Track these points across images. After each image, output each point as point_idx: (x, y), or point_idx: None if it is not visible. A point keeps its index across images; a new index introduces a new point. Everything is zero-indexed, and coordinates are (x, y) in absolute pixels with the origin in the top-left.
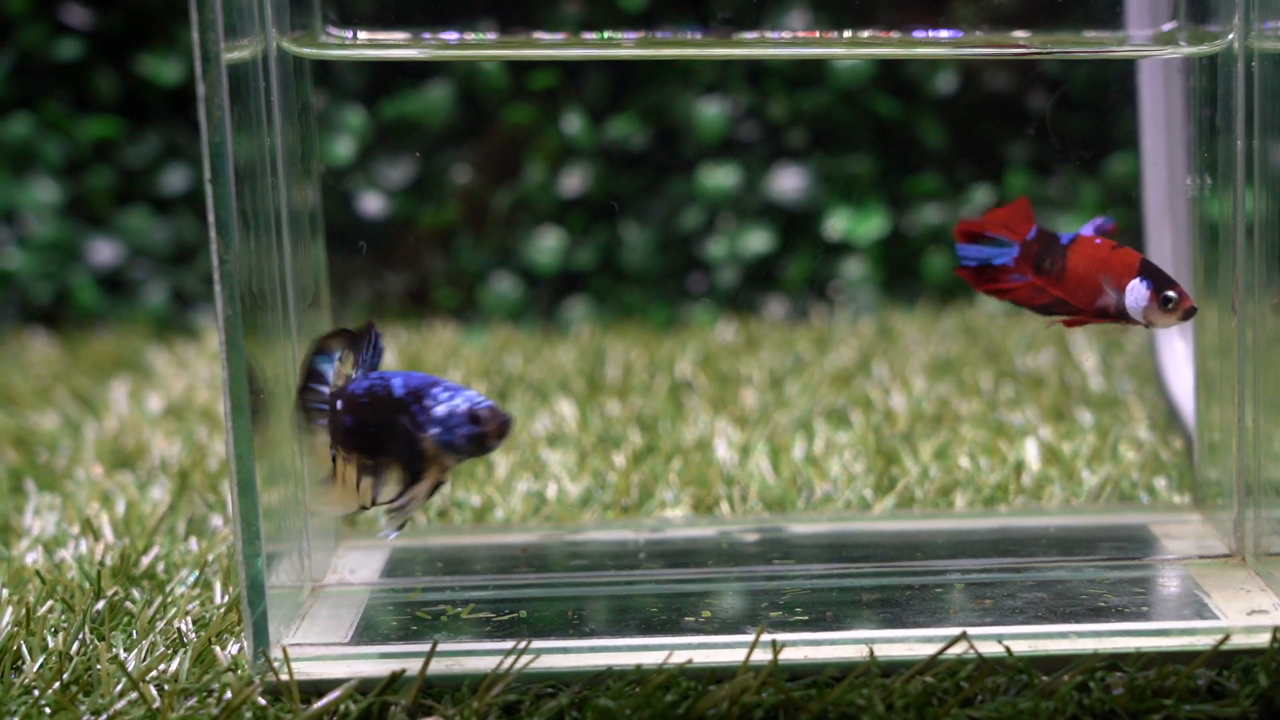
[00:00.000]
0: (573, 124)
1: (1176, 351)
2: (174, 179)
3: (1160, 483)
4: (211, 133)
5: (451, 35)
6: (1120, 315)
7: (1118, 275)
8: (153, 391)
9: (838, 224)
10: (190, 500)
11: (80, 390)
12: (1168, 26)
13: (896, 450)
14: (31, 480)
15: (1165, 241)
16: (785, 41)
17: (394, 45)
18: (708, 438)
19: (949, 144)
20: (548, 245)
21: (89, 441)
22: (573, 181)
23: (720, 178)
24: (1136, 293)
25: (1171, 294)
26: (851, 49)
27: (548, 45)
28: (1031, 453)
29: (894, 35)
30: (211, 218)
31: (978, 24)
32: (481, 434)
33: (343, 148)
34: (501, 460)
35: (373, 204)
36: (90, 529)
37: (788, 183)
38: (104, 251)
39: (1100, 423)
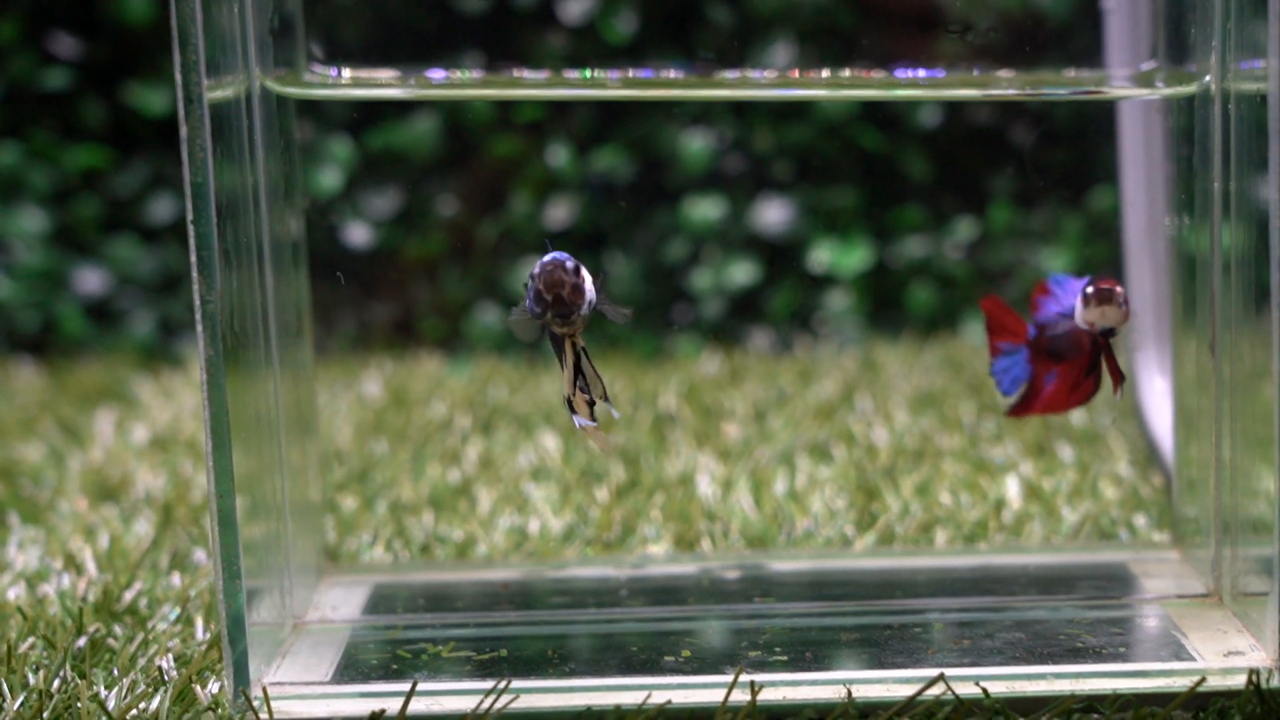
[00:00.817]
0: (558, 156)
1: (1156, 388)
2: (161, 208)
3: (1140, 520)
4: (194, 173)
5: (437, 74)
6: (1090, 336)
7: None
8: (138, 422)
9: (822, 256)
10: (174, 534)
11: (66, 420)
12: (1146, 66)
13: (878, 486)
14: (15, 513)
15: (1145, 277)
16: (768, 82)
17: (379, 85)
18: (690, 472)
19: (932, 177)
20: None
21: (74, 473)
22: (559, 213)
23: (705, 209)
24: (1076, 306)
25: (1089, 288)
26: (834, 90)
27: (532, 85)
28: (1012, 489)
29: (876, 75)
30: (194, 258)
31: (959, 61)
32: (537, 290)
33: (329, 179)
34: (484, 495)
35: (358, 235)
36: (73, 564)
37: (772, 215)
38: (91, 280)
39: (1081, 458)
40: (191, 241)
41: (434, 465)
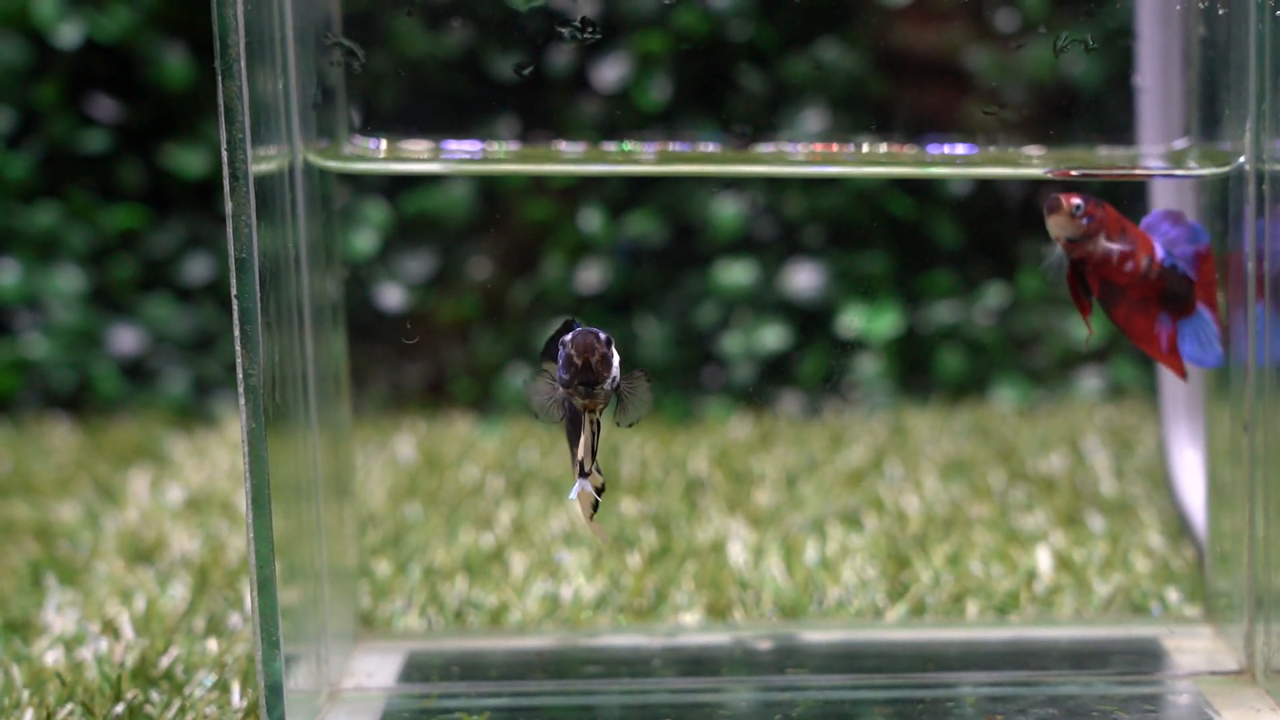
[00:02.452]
0: (591, 220)
1: (1187, 461)
2: (196, 268)
3: (1172, 593)
4: (238, 248)
5: (474, 145)
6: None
7: None
8: (172, 481)
9: (853, 321)
10: (209, 598)
11: (101, 479)
12: (1179, 144)
13: (909, 555)
14: (52, 574)
15: None
16: (802, 159)
17: (417, 159)
18: (722, 539)
19: (962, 242)
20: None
21: (109, 534)
22: (590, 277)
23: (736, 274)
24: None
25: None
26: (867, 167)
27: (568, 159)
28: (1044, 561)
29: (908, 150)
30: (237, 331)
31: (990, 131)
32: (568, 355)
33: (364, 241)
34: (517, 560)
35: (393, 297)
36: (110, 628)
37: (803, 280)
38: (126, 339)
39: (1112, 528)
40: (235, 316)
41: (467, 529)
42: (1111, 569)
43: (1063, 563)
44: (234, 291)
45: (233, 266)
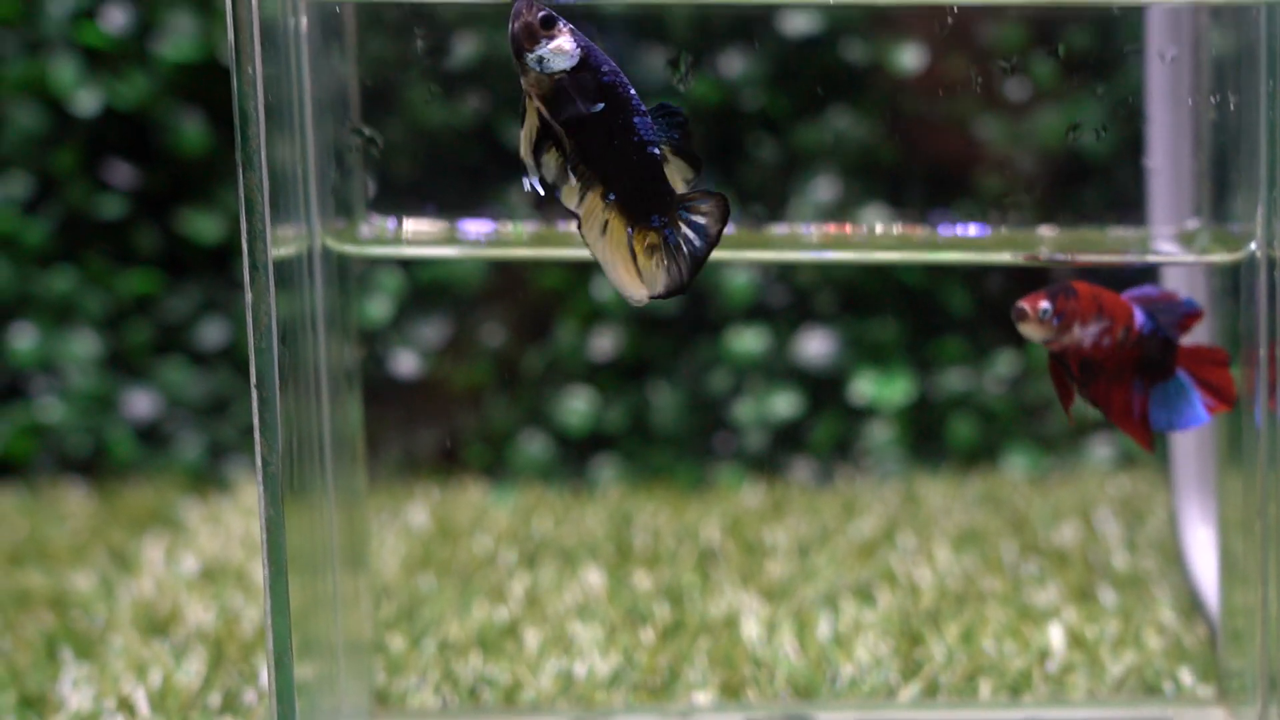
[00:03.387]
0: (603, 288)
1: (1200, 538)
2: (211, 333)
3: (1185, 673)
4: (258, 338)
5: (488, 226)
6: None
7: None
8: (187, 550)
9: (865, 388)
10: (225, 672)
11: (116, 546)
12: (1190, 225)
13: (922, 631)
14: (68, 646)
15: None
16: (814, 243)
17: (433, 242)
18: (735, 612)
19: (973, 310)
20: (578, 406)
21: (124, 605)
22: (603, 343)
23: (748, 341)
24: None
25: (1021, 304)
26: (877, 252)
27: (581, 243)
28: (1056, 638)
29: (920, 231)
30: (256, 419)
31: (1000, 204)
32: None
33: (379, 308)
34: (531, 635)
35: (407, 363)
36: (126, 705)
37: (815, 347)
38: (141, 403)
39: (1124, 604)
40: (255, 405)
41: (480, 601)
42: (1124, 646)
43: (1075, 640)
44: (254, 381)
45: (252, 356)
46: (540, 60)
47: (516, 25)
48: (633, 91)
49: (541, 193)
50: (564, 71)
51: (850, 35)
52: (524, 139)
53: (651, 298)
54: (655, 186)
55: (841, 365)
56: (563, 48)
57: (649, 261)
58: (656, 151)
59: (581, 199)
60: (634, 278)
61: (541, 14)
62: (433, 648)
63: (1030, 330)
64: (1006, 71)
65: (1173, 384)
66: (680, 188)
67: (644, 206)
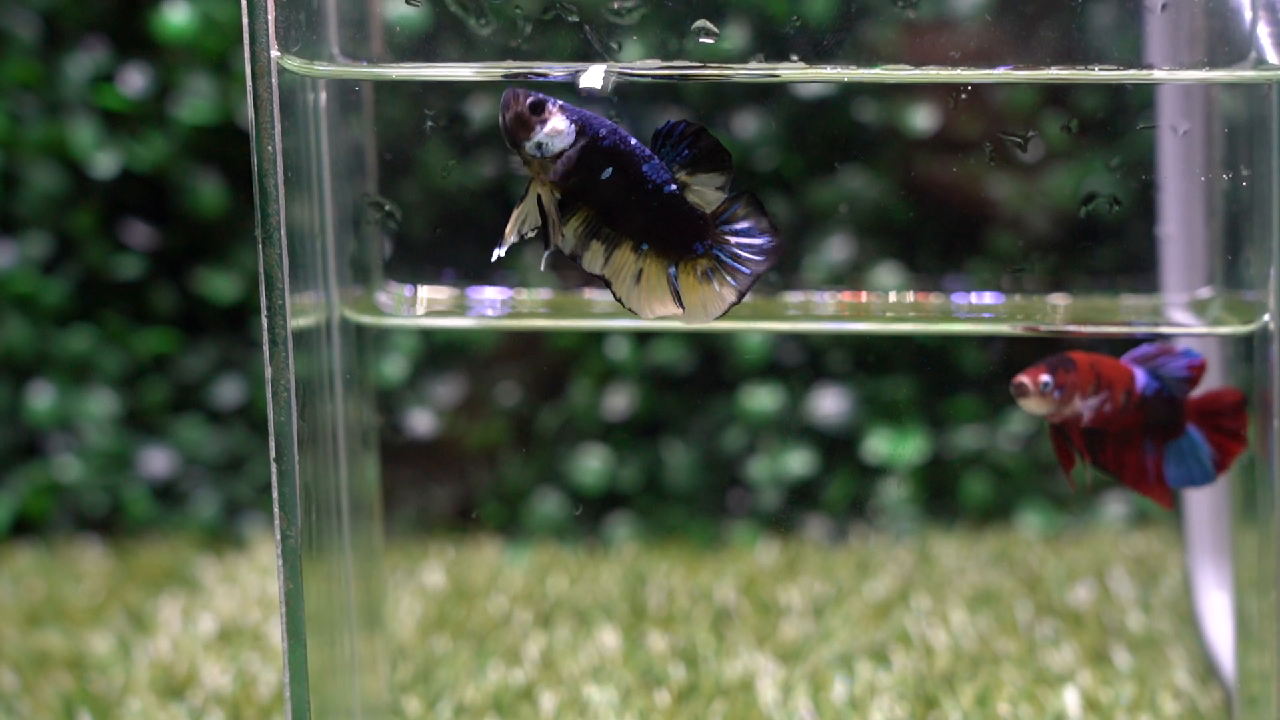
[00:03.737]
0: (618, 348)
1: (1214, 602)
2: (227, 391)
3: None
4: (278, 412)
5: (505, 293)
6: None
7: None
8: (203, 610)
9: (879, 447)
10: None
11: (132, 606)
12: (1202, 293)
13: (937, 695)
14: (85, 710)
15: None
16: (828, 315)
17: (447, 313)
18: (750, 674)
19: (987, 368)
20: (592, 465)
21: (141, 666)
22: (618, 402)
23: (762, 399)
24: None
25: (1021, 379)
26: (891, 324)
27: (597, 314)
28: (1071, 702)
29: (934, 299)
30: (275, 493)
31: (1013, 268)
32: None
33: (393, 368)
34: (547, 698)
35: (423, 422)
36: None
37: (828, 405)
38: (158, 461)
39: (1139, 667)
40: (274, 478)
41: (495, 663)
42: (1139, 710)
43: (1090, 704)
44: (273, 455)
45: (271, 429)
46: (539, 146)
47: (508, 118)
48: (634, 141)
49: (528, 264)
50: (565, 150)
51: (863, 97)
52: (514, 220)
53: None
54: (685, 219)
55: (855, 423)
56: (558, 128)
57: (710, 286)
58: (674, 188)
59: (607, 260)
60: (674, 307)
61: (529, 101)
62: (449, 711)
63: (1032, 405)
64: (1020, 147)
65: (1185, 441)
66: (715, 198)
67: (681, 241)
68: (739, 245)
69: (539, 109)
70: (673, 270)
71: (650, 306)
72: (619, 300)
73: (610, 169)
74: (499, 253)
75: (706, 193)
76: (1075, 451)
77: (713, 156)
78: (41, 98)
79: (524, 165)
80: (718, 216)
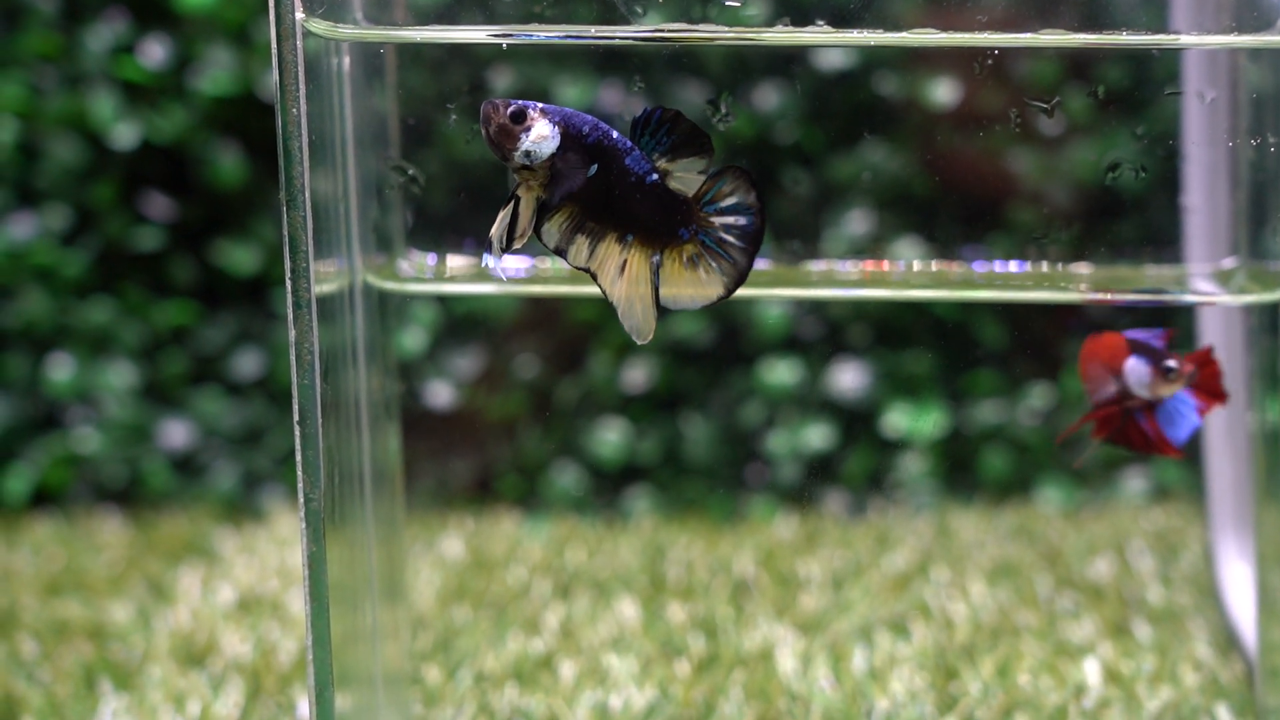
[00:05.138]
0: None
1: (1236, 574)
2: (246, 363)
3: (1222, 709)
4: (301, 374)
5: (526, 261)
6: (1126, 397)
7: (1110, 359)
8: (223, 580)
9: (899, 421)
10: (262, 703)
11: (152, 577)
12: (1227, 264)
13: (957, 665)
14: (106, 677)
15: (1225, 461)
16: (853, 281)
17: (467, 279)
18: (770, 645)
19: (1007, 342)
20: (610, 438)
21: (161, 635)
22: (636, 375)
23: (781, 373)
24: (1137, 371)
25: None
26: (911, 290)
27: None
28: (1092, 673)
29: (955, 267)
30: (299, 456)
31: (1035, 237)
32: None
33: (413, 340)
34: (566, 667)
35: (442, 394)
36: None
37: (848, 379)
38: (177, 433)
39: (1160, 639)
40: (297, 440)
41: (515, 632)
42: (1160, 682)
43: (1111, 675)
44: (296, 418)
45: (295, 392)
46: (528, 154)
47: (491, 130)
48: (615, 135)
49: (504, 278)
50: (553, 154)
51: (883, 69)
52: (500, 221)
53: (719, 299)
54: (668, 206)
55: (874, 397)
56: (542, 134)
57: (696, 272)
58: (655, 178)
59: (592, 253)
60: (650, 315)
61: (510, 110)
62: (469, 679)
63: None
64: (1047, 113)
65: (1170, 400)
66: (698, 181)
67: (666, 228)
68: (724, 227)
69: (520, 118)
70: (657, 259)
71: (633, 307)
72: (603, 292)
73: (595, 166)
74: (489, 260)
75: (689, 179)
76: (1128, 433)
77: (692, 141)
78: (61, 70)
79: (515, 174)
80: (700, 198)
